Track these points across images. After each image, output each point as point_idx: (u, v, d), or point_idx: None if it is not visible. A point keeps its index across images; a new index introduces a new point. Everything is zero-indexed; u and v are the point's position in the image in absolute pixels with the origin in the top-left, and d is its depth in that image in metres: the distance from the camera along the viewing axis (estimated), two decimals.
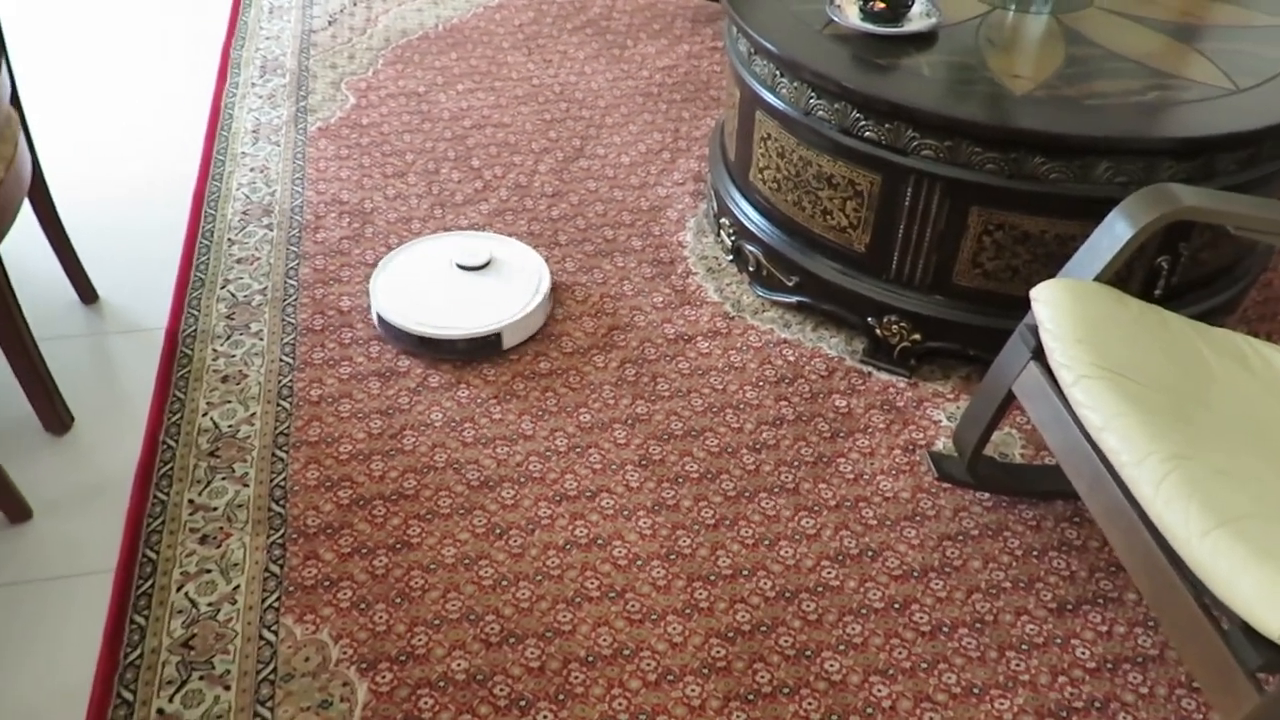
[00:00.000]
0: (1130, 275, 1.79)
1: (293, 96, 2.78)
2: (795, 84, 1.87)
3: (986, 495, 1.75)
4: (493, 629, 1.53)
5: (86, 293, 2.11)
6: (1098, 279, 1.48)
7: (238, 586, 1.58)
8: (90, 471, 1.78)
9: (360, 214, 2.36)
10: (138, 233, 2.31)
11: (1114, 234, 1.47)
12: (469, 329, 1.96)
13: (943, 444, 1.84)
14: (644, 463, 1.80)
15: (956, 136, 1.71)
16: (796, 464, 1.81)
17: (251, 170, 2.50)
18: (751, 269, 2.14)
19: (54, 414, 1.81)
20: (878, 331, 1.96)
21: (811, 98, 1.85)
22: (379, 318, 2.01)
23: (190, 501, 1.71)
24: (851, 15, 1.93)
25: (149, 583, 1.58)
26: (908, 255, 1.88)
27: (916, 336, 1.93)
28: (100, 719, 1.41)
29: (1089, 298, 1.44)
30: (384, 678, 1.46)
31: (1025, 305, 1.53)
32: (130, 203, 2.41)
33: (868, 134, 1.80)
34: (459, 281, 2.09)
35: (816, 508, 1.73)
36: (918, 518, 1.72)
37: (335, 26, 3.12)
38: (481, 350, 1.97)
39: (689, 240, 2.32)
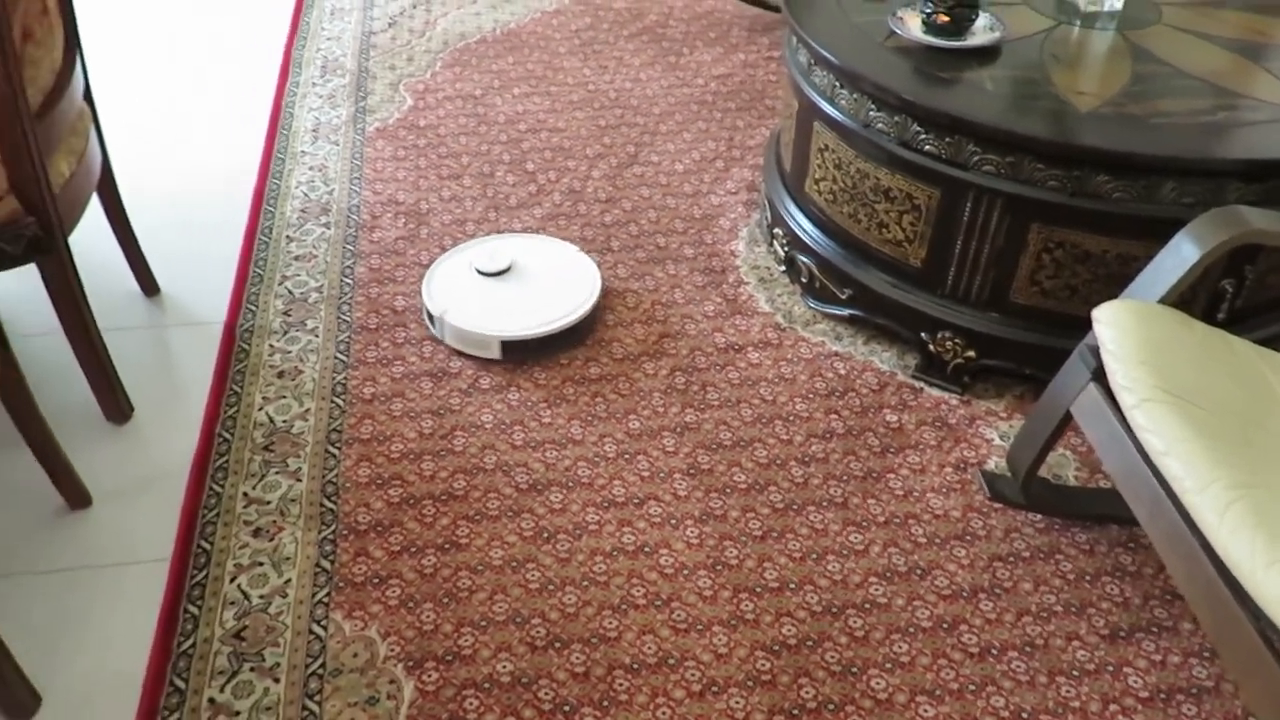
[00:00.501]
0: (1193, 298, 1.76)
1: (352, 97, 2.81)
2: (855, 95, 1.86)
3: (1039, 517, 1.73)
4: (539, 632, 1.54)
5: (148, 285, 2.15)
6: (1161, 301, 1.46)
7: (289, 580, 1.60)
8: (148, 461, 1.81)
9: (416, 215, 2.39)
10: (199, 228, 2.35)
11: (1180, 256, 1.44)
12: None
13: (995, 463, 1.82)
14: (692, 472, 1.80)
15: (1019, 152, 1.70)
16: (845, 478, 1.79)
17: (310, 169, 2.53)
18: (804, 280, 2.13)
19: (115, 404, 1.85)
20: (931, 347, 1.94)
21: (871, 110, 1.84)
22: (438, 319, 2.03)
23: (244, 495, 1.73)
24: (914, 28, 1.92)
25: (203, 573, 1.61)
26: (964, 271, 1.86)
27: (971, 353, 1.91)
28: (153, 706, 1.43)
29: (1153, 319, 1.42)
30: (430, 677, 1.47)
31: (1084, 325, 1.51)
32: (193, 198, 2.46)
33: (928, 148, 1.79)
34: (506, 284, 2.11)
35: (865, 523, 1.72)
36: (968, 537, 1.70)
37: (395, 29, 3.16)
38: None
39: (741, 250, 2.31)
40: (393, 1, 3.31)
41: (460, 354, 2.01)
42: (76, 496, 1.70)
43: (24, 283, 1.88)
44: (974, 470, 1.81)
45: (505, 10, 3.28)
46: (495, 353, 1.98)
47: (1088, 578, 1.64)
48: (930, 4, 1.90)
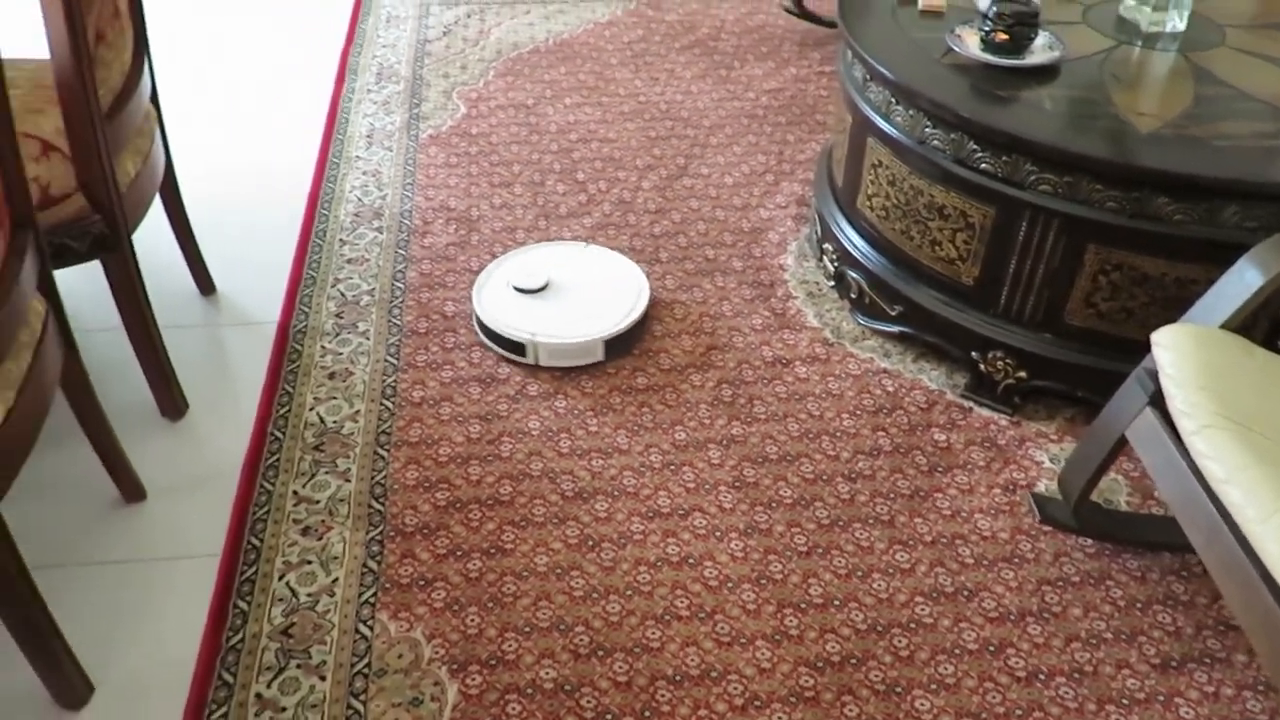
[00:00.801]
0: (1254, 323, 1.73)
1: (406, 104, 2.85)
2: (911, 112, 1.86)
3: (1089, 542, 1.71)
4: (582, 640, 1.54)
5: (205, 285, 2.19)
6: (1222, 326, 1.43)
7: (336, 579, 1.62)
8: (201, 458, 1.84)
9: (467, 221, 2.41)
10: (255, 229, 2.39)
11: (1243, 281, 1.42)
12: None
13: (1045, 486, 1.80)
14: (738, 484, 1.80)
15: (1077, 172, 1.68)
16: (892, 496, 1.78)
17: (364, 174, 2.56)
18: (853, 296, 2.12)
19: (171, 400, 1.88)
20: (982, 367, 1.92)
21: (927, 126, 1.83)
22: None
23: (294, 493, 1.75)
24: (972, 45, 1.91)
25: (252, 569, 1.63)
26: (1018, 290, 1.84)
27: (1022, 374, 1.89)
28: (202, 698, 1.45)
29: (1213, 345, 1.40)
30: (474, 680, 1.48)
31: (1139, 348, 1.49)
32: (249, 200, 2.50)
33: (983, 166, 1.78)
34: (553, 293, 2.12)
35: (911, 542, 1.70)
36: (1016, 559, 1.68)
37: (449, 37, 3.19)
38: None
39: (790, 264, 2.31)
40: (448, 10, 3.35)
41: (508, 360, 2.02)
42: (132, 490, 1.73)
43: (87, 280, 1.92)
44: (1023, 492, 1.79)
45: (558, 21, 3.31)
46: (600, 354, 2.01)
47: (1139, 605, 1.61)
48: (989, 22, 1.89)
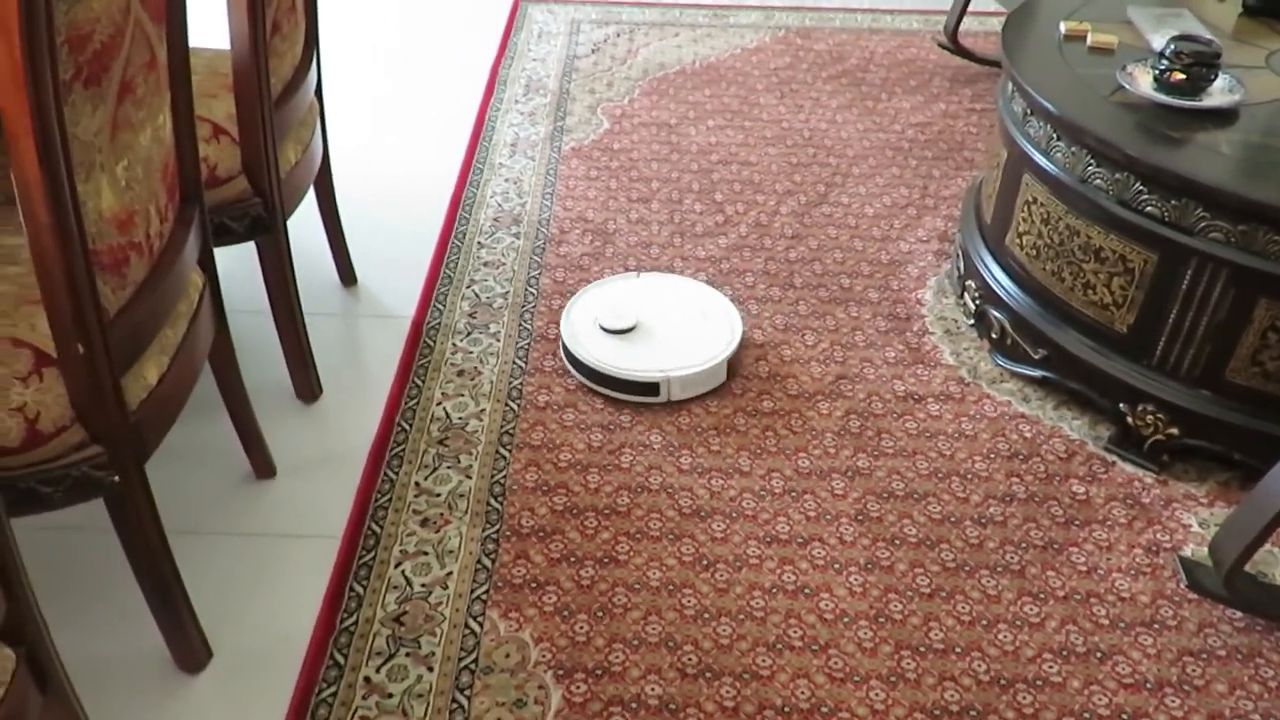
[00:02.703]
0: None
1: (551, 116, 2.89)
2: (1073, 149, 1.78)
3: (1238, 614, 1.59)
4: (690, 660, 1.51)
5: (347, 276, 2.25)
6: None
7: (451, 573, 1.62)
8: (330, 441, 1.88)
9: (602, 233, 2.42)
10: (398, 226, 2.45)
11: None
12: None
13: (1191, 550, 1.69)
14: (860, 518, 1.74)
15: (1253, 221, 1.58)
16: (1024, 545, 1.70)
17: (506, 181, 2.61)
18: (994, 336, 2.04)
19: (307, 383, 1.93)
20: (1129, 419, 1.82)
21: (1090, 165, 1.76)
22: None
23: (416, 484, 1.77)
24: (1144, 84, 1.83)
25: (370, 555, 1.65)
26: (1176, 342, 1.74)
27: (1174, 430, 1.78)
28: (313, 676, 1.47)
29: None
30: (578, 688, 1.46)
31: None
32: (395, 198, 2.56)
33: (1149, 209, 1.69)
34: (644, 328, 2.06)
35: (1043, 595, 1.62)
36: (1156, 625, 1.57)
37: (598, 54, 3.23)
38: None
39: (928, 299, 2.24)
40: (598, 29, 3.40)
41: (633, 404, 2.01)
42: (264, 467, 1.78)
43: (238, 263, 2.00)
44: (1168, 555, 1.68)
45: (706, 44, 3.32)
46: (724, 376, 1.99)
47: None
48: (1165, 61, 1.80)
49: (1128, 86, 1.83)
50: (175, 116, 1.37)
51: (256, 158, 1.67)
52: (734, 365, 2.02)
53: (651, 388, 1.94)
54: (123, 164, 1.20)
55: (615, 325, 2.03)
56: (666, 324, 2.07)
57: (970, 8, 3.12)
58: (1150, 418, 1.80)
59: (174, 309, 1.38)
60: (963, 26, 3.15)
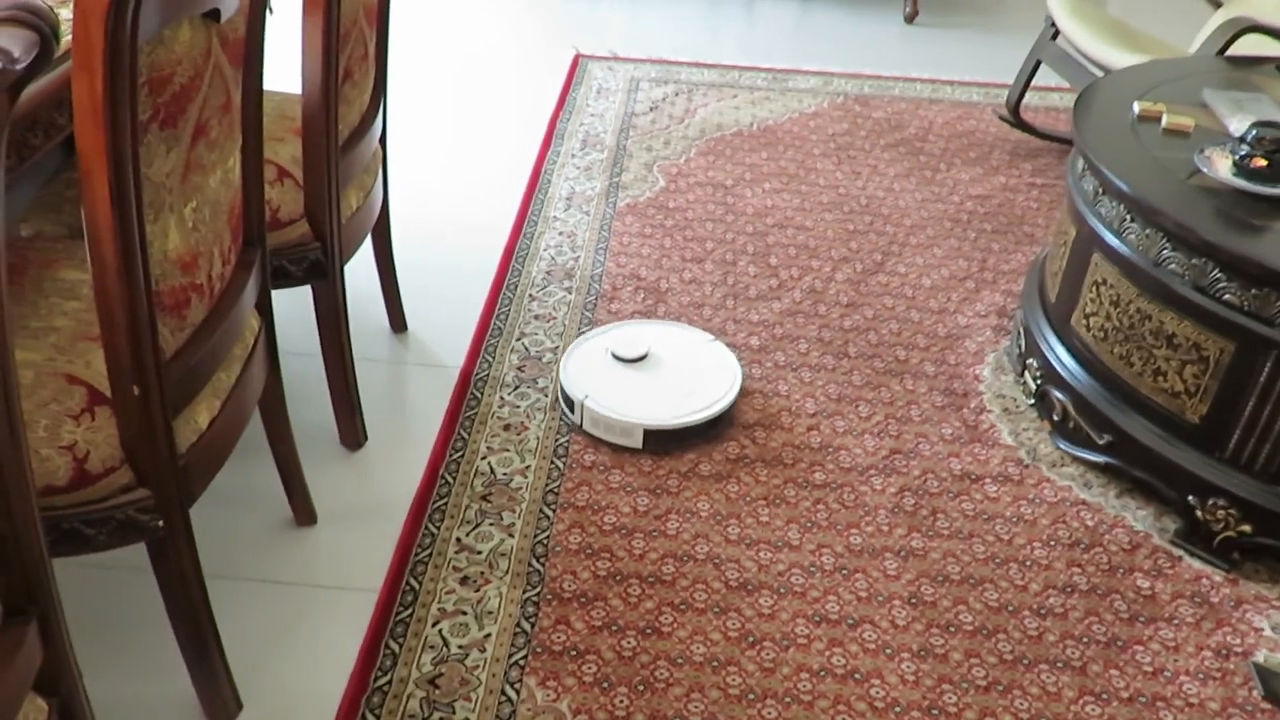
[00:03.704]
0: None
1: (607, 172, 2.89)
2: (1147, 231, 1.74)
3: None
4: None
5: (398, 323, 2.23)
6: None
7: (489, 635, 1.58)
8: (372, 491, 1.85)
9: (655, 292, 2.40)
10: (450, 275, 2.44)
11: None
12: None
13: (1264, 655, 1.61)
14: (914, 601, 1.67)
15: None
16: (1086, 640, 1.62)
17: (560, 234, 2.60)
18: (1056, 418, 1.98)
19: (353, 430, 1.91)
20: (1198, 513, 1.75)
21: (1165, 248, 1.71)
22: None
23: (458, 540, 1.74)
24: (1222, 169, 1.79)
25: (408, 612, 1.61)
26: (1251, 436, 1.68)
27: (1245, 527, 1.71)
28: None
29: None
30: None
31: None
32: (448, 246, 2.56)
33: (1226, 296, 1.64)
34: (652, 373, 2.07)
35: (1105, 695, 1.54)
36: None
37: (655, 113, 3.24)
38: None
39: (986, 376, 2.19)
40: (657, 88, 3.41)
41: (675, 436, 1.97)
42: (305, 513, 1.75)
43: (290, 304, 1.98)
44: (1239, 661, 1.60)
45: (764, 107, 3.31)
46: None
47: None
48: (1245, 146, 1.76)
49: (1206, 170, 1.79)
50: (244, 160, 1.36)
51: (319, 203, 1.67)
52: (787, 433, 1.98)
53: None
54: (191, 205, 1.20)
55: (625, 354, 2.06)
56: (673, 371, 2.07)
57: (1032, 83, 3.10)
58: (1221, 513, 1.73)
59: (230, 352, 1.37)
60: (1024, 101, 3.13)
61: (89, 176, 1.02)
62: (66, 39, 1.05)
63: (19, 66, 0.71)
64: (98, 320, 1.13)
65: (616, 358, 2.06)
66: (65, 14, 1.34)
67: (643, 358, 2.07)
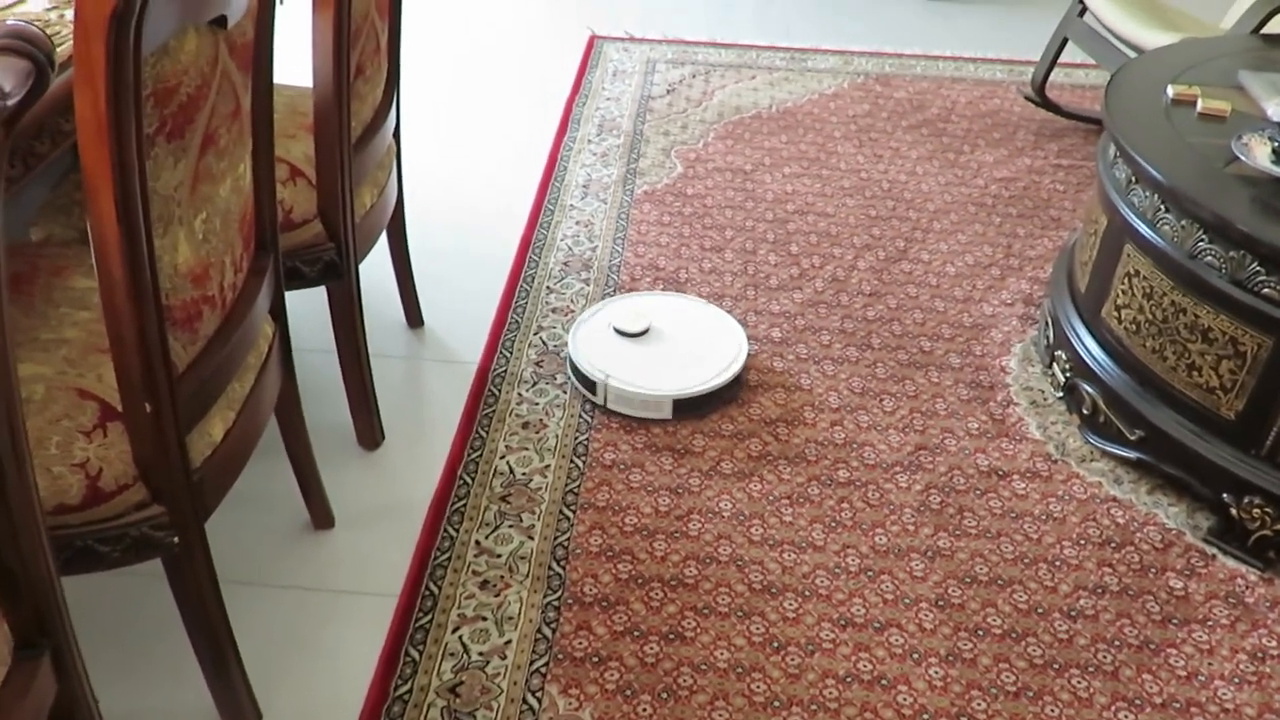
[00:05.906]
0: None
1: (624, 158, 2.84)
2: (1183, 222, 1.69)
3: None
4: None
5: (414, 318, 2.21)
6: None
7: (510, 641, 1.56)
8: (390, 492, 1.83)
9: (674, 282, 2.36)
10: (466, 267, 2.41)
11: None
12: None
13: None
14: (941, 604, 1.64)
15: None
16: (1118, 643, 1.59)
17: (577, 224, 2.56)
18: (1085, 412, 1.94)
19: (370, 429, 1.88)
20: (1233, 511, 1.71)
21: (1201, 240, 1.66)
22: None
23: (477, 543, 1.71)
24: (1261, 157, 1.73)
25: (428, 618, 1.59)
26: None
27: None
28: None
29: None
30: None
31: None
32: (463, 239, 2.52)
33: (1266, 290, 1.59)
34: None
35: (1138, 701, 1.51)
36: None
37: (673, 96, 3.19)
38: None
39: (1013, 367, 2.14)
40: (673, 69, 3.35)
41: (702, 433, 1.94)
42: (323, 517, 1.73)
43: (304, 299, 1.95)
44: (1275, 664, 1.56)
45: (783, 89, 3.25)
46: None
47: None
48: None
49: (1243, 158, 1.73)
50: (255, 164, 1.33)
51: (333, 202, 1.63)
52: (810, 429, 1.95)
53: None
54: (201, 217, 1.17)
55: (628, 328, 2.08)
56: (677, 339, 2.10)
57: (1059, 61, 3.02)
58: (1257, 511, 1.68)
59: (244, 361, 1.34)
60: (1050, 79, 3.06)
61: (94, 194, 0.99)
62: (69, 45, 1.01)
63: (11, 102, 0.68)
64: (108, 337, 1.10)
65: (621, 333, 2.07)
66: (68, 14, 1.31)
67: (646, 331, 2.08)
